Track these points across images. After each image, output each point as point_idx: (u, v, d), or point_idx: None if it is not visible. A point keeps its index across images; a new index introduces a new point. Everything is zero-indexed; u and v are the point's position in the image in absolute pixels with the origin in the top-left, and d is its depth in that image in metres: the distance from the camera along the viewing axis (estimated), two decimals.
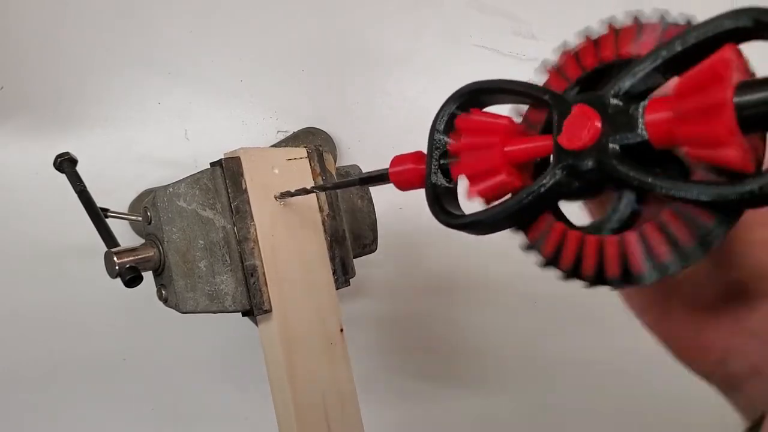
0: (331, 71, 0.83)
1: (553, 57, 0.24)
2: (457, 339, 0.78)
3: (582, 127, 0.20)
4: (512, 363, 0.77)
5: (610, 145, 0.19)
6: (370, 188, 0.49)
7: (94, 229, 0.49)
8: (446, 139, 0.25)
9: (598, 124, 0.20)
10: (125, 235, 0.73)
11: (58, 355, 0.73)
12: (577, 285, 0.21)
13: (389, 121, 0.82)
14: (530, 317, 0.78)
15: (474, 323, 0.78)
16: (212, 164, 0.40)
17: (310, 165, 0.43)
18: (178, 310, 0.40)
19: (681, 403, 0.73)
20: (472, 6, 0.82)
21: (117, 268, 0.38)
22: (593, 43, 0.23)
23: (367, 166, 0.33)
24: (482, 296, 0.79)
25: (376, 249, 0.50)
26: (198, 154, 0.80)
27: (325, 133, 0.80)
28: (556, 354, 0.76)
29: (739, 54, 0.17)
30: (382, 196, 0.48)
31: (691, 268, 0.18)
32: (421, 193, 0.27)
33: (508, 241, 0.25)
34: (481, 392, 0.76)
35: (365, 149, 0.82)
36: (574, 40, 0.23)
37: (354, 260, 0.46)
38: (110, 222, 0.50)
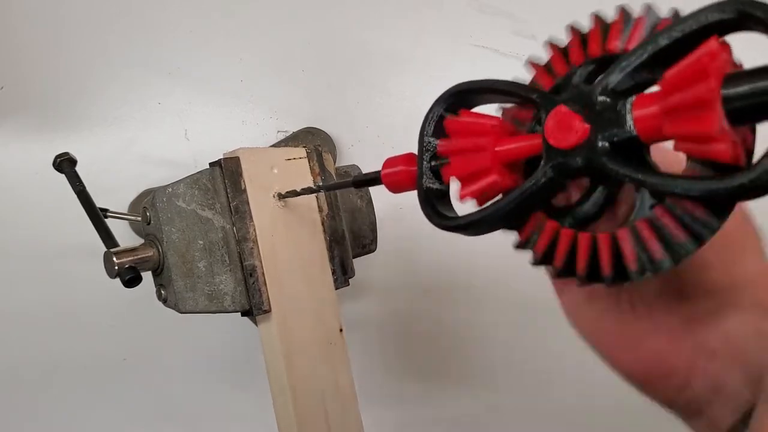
0: (331, 71, 0.83)
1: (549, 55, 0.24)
2: (457, 339, 0.78)
3: (570, 127, 0.20)
4: (513, 363, 0.77)
5: (600, 143, 0.19)
6: (369, 188, 0.49)
7: (94, 229, 0.49)
8: (436, 141, 0.25)
9: (586, 124, 0.20)
10: (125, 235, 0.73)
11: (58, 355, 0.73)
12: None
13: (389, 121, 0.82)
14: (531, 317, 0.78)
15: (474, 323, 0.78)
16: (211, 164, 0.40)
17: (310, 165, 0.43)
18: (177, 310, 0.40)
19: None
20: (472, 6, 0.82)
21: (116, 268, 0.38)
22: (582, 38, 0.23)
23: (367, 167, 0.33)
24: (482, 296, 0.78)
25: (375, 249, 0.50)
26: (198, 154, 0.80)
27: (325, 133, 0.80)
28: (557, 354, 0.76)
29: (725, 46, 0.17)
30: (382, 196, 0.48)
31: (683, 264, 0.18)
32: None
33: (508, 241, 0.25)
34: (481, 392, 0.76)
35: (365, 149, 0.81)
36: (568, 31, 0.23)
37: (354, 260, 0.46)
38: (110, 222, 0.50)
